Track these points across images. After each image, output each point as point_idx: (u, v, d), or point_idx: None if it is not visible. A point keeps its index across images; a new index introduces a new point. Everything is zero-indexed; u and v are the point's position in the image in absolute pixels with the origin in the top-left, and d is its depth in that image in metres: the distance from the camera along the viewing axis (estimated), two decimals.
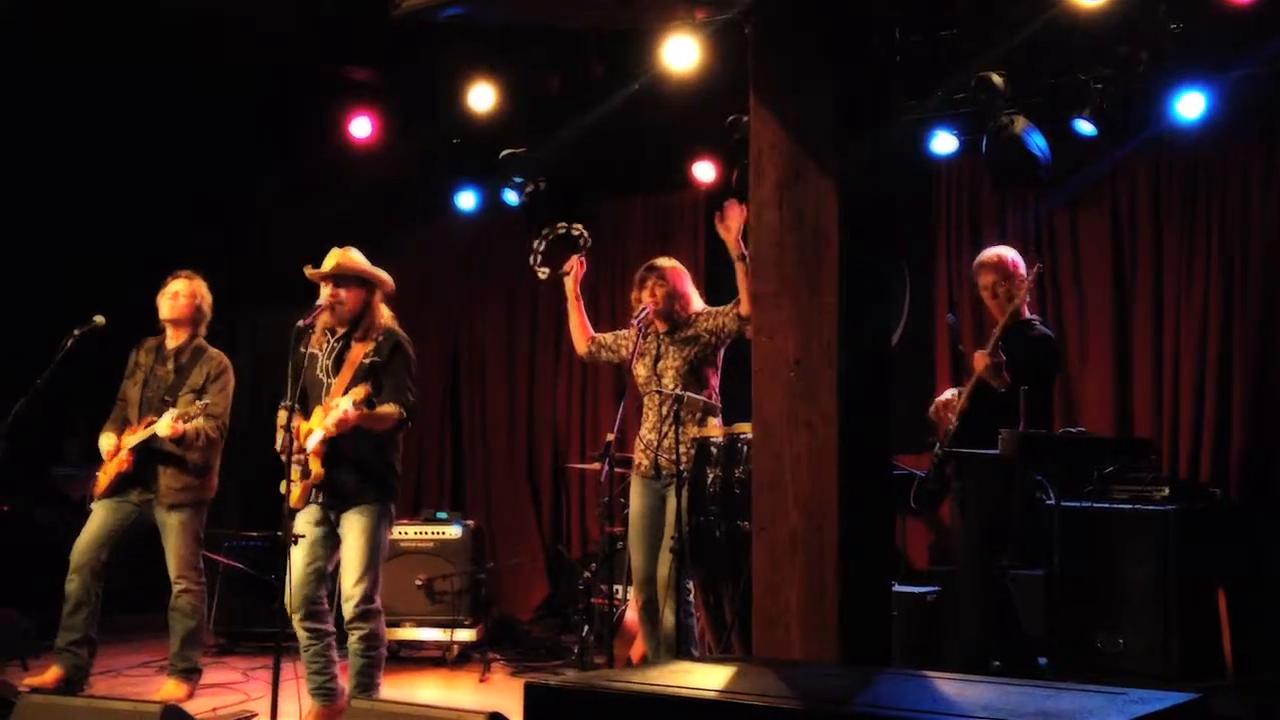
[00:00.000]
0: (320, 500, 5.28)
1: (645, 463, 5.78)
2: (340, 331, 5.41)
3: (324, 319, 5.35)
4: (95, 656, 6.02)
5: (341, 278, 5.35)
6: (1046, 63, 6.69)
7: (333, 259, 5.37)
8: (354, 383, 5.27)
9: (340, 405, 5.13)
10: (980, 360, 5.50)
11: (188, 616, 5.97)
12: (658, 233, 8.70)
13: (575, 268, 6.07)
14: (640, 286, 5.83)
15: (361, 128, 8.23)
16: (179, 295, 6.12)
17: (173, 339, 6.15)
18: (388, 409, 5.26)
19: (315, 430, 5.23)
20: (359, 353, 5.34)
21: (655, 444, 5.71)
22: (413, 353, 5.47)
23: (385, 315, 5.46)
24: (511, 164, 8.17)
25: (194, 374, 6.03)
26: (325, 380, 5.36)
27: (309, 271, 5.38)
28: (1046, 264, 6.96)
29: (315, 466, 5.20)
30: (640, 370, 5.82)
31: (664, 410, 5.65)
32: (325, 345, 5.42)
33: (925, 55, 6.51)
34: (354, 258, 5.41)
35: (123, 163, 8.15)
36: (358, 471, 5.26)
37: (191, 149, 8.11)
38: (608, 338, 6.08)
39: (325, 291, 5.35)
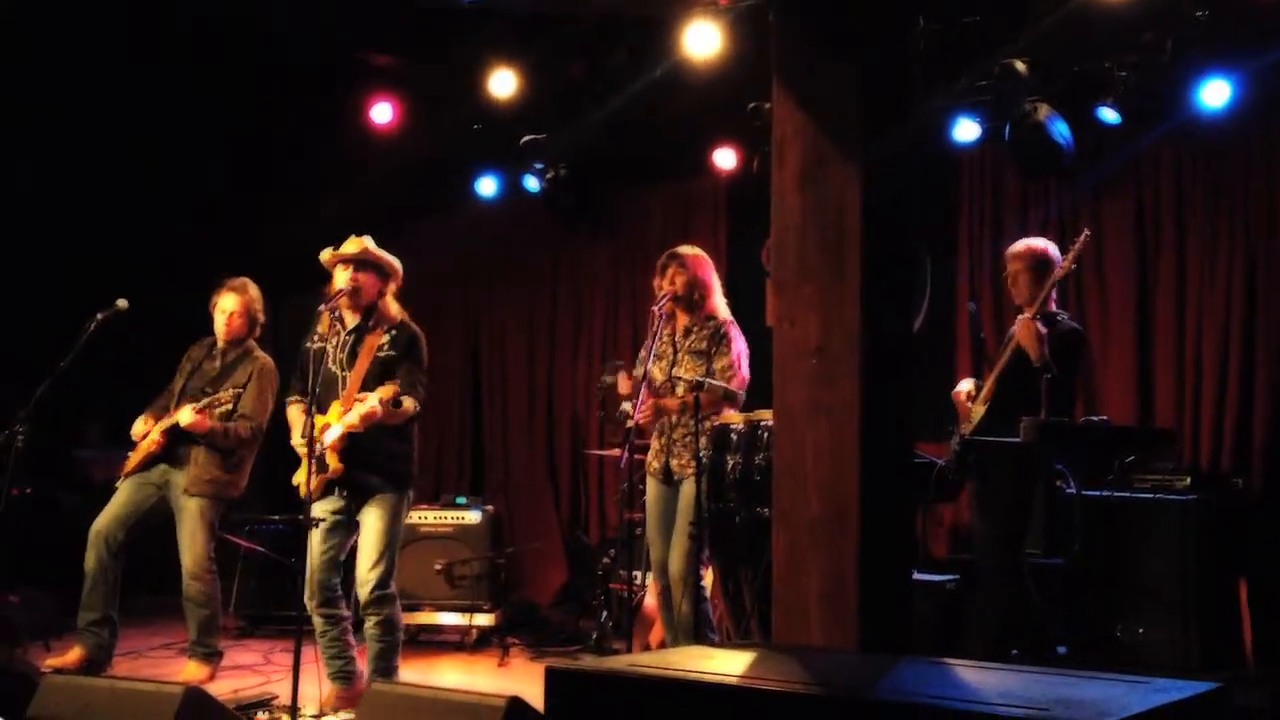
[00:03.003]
0: (341, 495, 5.32)
1: (656, 465, 5.79)
2: (351, 323, 5.42)
3: (343, 304, 5.36)
4: (117, 637, 6.07)
5: (362, 262, 5.36)
6: (1070, 50, 6.65)
7: (353, 245, 5.39)
8: (371, 373, 5.29)
9: (369, 401, 5.14)
10: (1026, 326, 5.41)
11: (200, 606, 6.02)
12: (678, 219, 8.69)
13: None
14: (661, 274, 5.82)
15: (383, 113, 8.24)
16: (232, 315, 6.20)
17: (225, 339, 6.26)
18: (404, 404, 5.27)
19: (334, 425, 5.25)
20: (372, 344, 5.35)
21: (666, 446, 5.72)
22: (425, 346, 5.50)
23: (395, 308, 5.47)
24: (532, 150, 8.17)
25: (238, 372, 6.13)
26: (340, 373, 5.37)
27: (327, 255, 5.39)
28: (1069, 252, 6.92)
29: (333, 462, 5.23)
30: (656, 374, 5.80)
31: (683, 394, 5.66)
32: (336, 338, 5.42)
33: (949, 42, 6.47)
34: (373, 246, 5.42)
35: (142, 149, 8.18)
36: (377, 467, 5.30)
37: (211, 135, 8.13)
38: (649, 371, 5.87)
39: (343, 276, 5.36)
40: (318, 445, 5.20)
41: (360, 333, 5.40)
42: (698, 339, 5.75)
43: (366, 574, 5.24)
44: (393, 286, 5.46)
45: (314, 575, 5.27)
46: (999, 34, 6.55)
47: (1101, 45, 6.56)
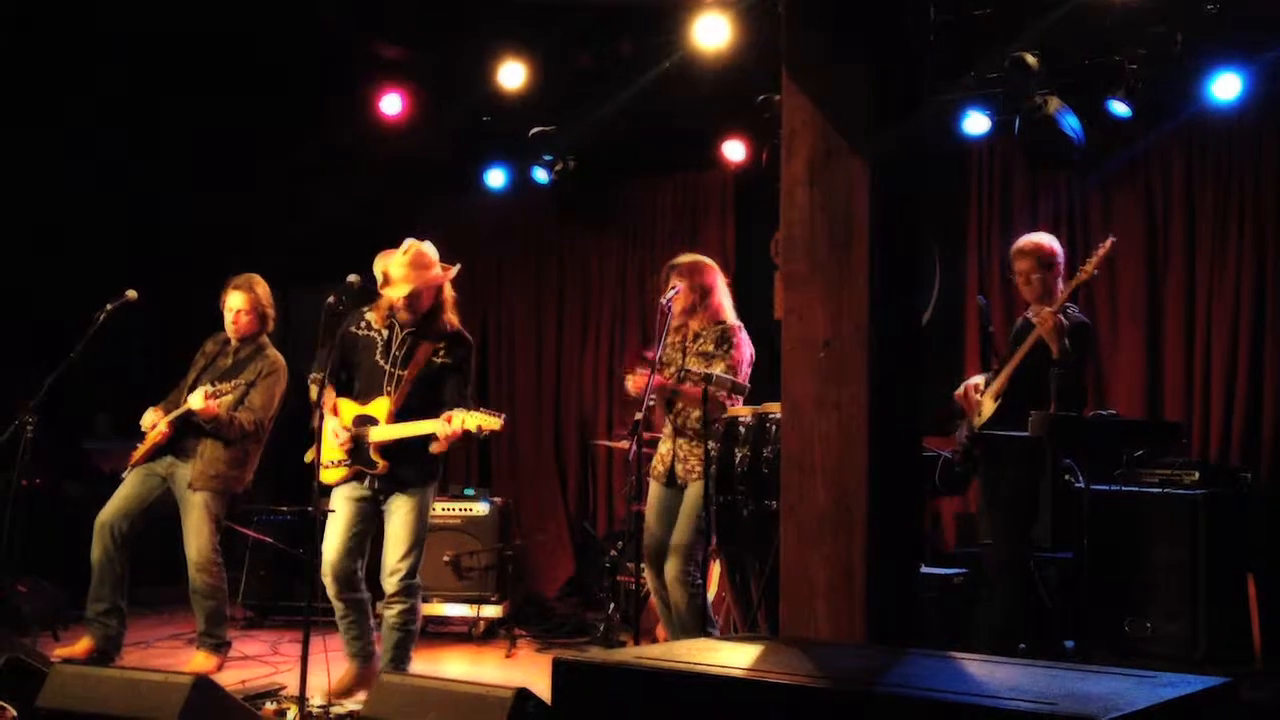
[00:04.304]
0: (371, 484, 5.35)
1: (660, 468, 5.81)
2: (407, 322, 5.41)
3: (382, 308, 5.37)
4: (125, 627, 6.10)
5: (416, 294, 5.36)
6: (1081, 43, 6.63)
7: (405, 270, 5.32)
8: (421, 377, 5.31)
9: (467, 423, 5.15)
10: (1049, 319, 5.37)
11: (207, 598, 6.05)
12: (687, 212, 8.69)
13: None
14: (665, 285, 5.87)
15: (392, 105, 8.23)
16: (240, 313, 6.20)
17: (236, 337, 6.26)
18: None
19: (400, 427, 5.25)
20: (429, 349, 5.38)
21: (671, 452, 5.74)
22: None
23: (453, 313, 5.47)
24: (541, 142, 8.16)
25: (249, 369, 6.14)
26: (391, 370, 5.38)
27: (387, 293, 5.35)
28: (1078, 246, 6.90)
29: (379, 459, 5.28)
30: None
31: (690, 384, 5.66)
32: (394, 333, 5.42)
33: (959, 35, 6.46)
34: (427, 256, 5.38)
35: (150, 143, 8.19)
36: (411, 461, 5.34)
37: (221, 126, 8.14)
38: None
39: (397, 292, 5.33)
40: (353, 434, 5.26)
41: (418, 335, 5.42)
42: (705, 341, 5.79)
43: (398, 563, 5.29)
44: (449, 290, 5.47)
45: (338, 562, 5.31)
46: (1009, 27, 6.54)
47: (1112, 38, 6.54)
